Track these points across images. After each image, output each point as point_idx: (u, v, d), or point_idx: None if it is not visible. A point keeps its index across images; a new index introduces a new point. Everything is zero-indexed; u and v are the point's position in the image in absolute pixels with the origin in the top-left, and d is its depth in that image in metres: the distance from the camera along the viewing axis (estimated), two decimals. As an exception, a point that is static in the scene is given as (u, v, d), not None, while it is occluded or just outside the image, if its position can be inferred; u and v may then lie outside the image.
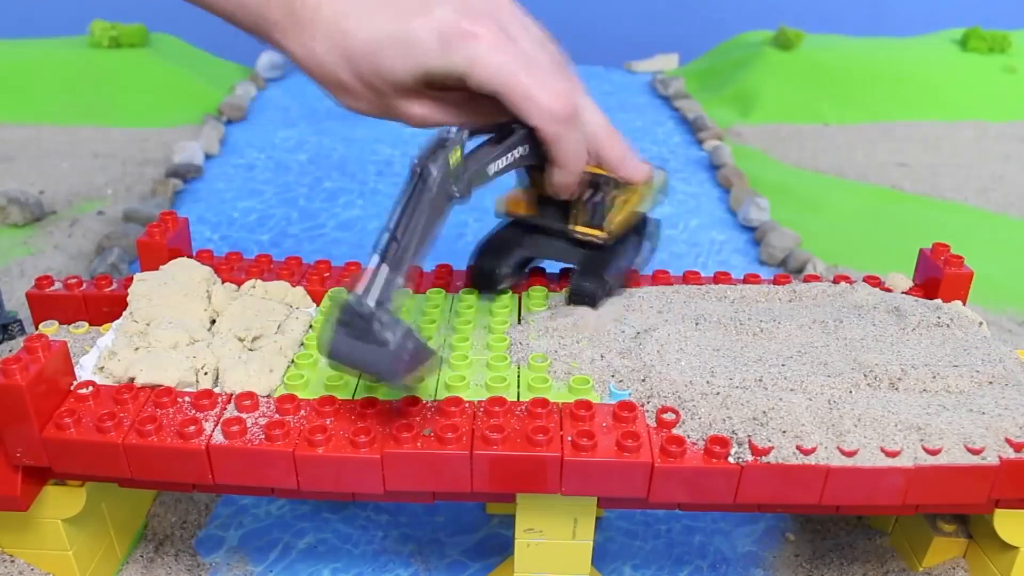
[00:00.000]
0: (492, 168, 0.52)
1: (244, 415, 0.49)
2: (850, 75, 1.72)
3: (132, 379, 0.51)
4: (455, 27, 0.48)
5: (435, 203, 0.47)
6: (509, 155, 0.52)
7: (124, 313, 0.58)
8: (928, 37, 1.91)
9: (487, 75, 0.49)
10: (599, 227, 0.59)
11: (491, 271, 0.61)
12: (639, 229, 0.64)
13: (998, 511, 0.53)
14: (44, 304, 0.62)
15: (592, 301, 0.59)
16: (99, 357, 0.54)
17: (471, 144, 0.51)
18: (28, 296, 0.61)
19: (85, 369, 0.54)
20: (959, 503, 0.51)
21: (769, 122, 1.62)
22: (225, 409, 0.50)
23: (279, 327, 0.58)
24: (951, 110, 1.66)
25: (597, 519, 0.59)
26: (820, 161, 1.44)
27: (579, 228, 0.60)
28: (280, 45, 0.52)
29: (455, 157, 0.48)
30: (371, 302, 0.44)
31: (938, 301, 0.61)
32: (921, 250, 0.67)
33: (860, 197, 1.29)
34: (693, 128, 1.52)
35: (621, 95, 1.76)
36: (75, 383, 0.51)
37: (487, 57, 0.48)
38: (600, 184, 0.58)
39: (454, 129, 0.49)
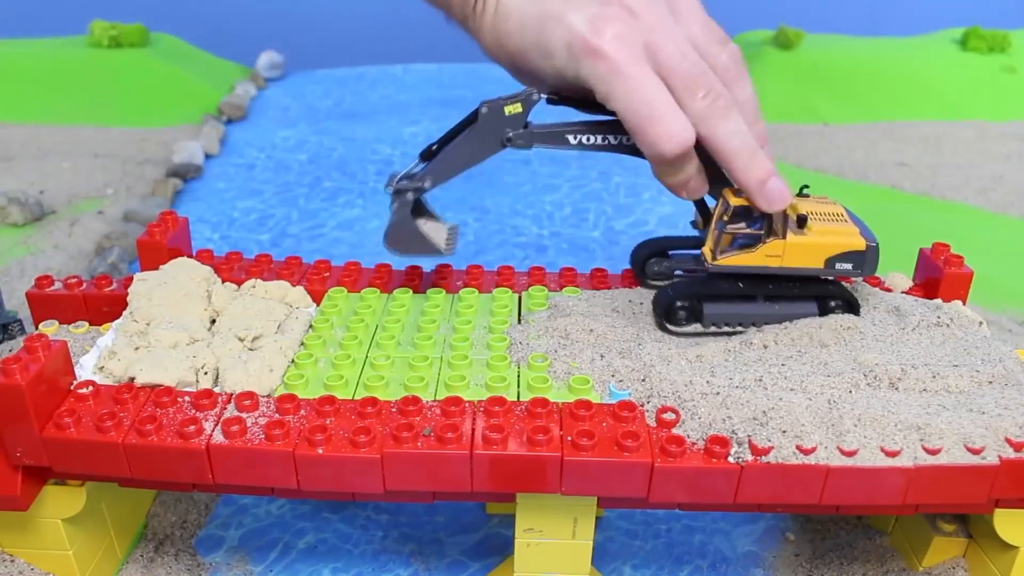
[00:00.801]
0: (572, 138, 0.55)
1: (244, 415, 0.49)
2: (850, 75, 1.72)
3: (132, 379, 0.51)
4: (581, 43, 0.50)
5: (479, 136, 0.55)
6: (600, 136, 0.55)
7: (124, 313, 0.58)
8: (928, 37, 1.91)
9: (604, 97, 0.50)
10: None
11: (633, 260, 0.63)
12: (821, 295, 0.57)
13: (998, 511, 0.53)
14: (44, 304, 0.62)
15: (660, 309, 0.57)
16: (99, 357, 0.54)
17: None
18: (28, 296, 0.61)
19: (85, 369, 0.54)
20: (959, 503, 0.51)
21: (769, 122, 1.61)
22: (225, 409, 0.49)
23: (279, 327, 0.58)
24: (951, 110, 1.66)
25: (597, 519, 0.59)
26: (820, 161, 1.44)
27: (705, 249, 0.57)
28: (466, 32, 0.57)
29: (513, 108, 0.54)
30: (395, 181, 0.57)
31: (938, 301, 0.61)
32: (921, 250, 0.67)
33: (860, 197, 1.29)
34: (693, 128, 1.52)
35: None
36: (75, 383, 0.51)
37: (607, 80, 0.49)
38: (736, 215, 0.55)
39: (535, 91, 0.54)
